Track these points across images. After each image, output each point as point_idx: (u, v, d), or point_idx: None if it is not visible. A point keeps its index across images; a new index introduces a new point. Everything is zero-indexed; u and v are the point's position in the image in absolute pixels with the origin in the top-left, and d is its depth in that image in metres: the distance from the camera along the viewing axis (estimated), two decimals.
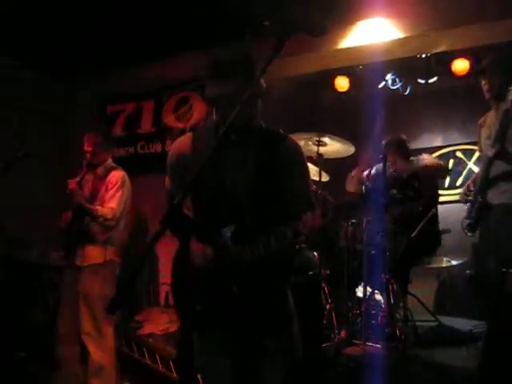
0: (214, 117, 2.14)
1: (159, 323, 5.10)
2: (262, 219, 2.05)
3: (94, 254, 4.08)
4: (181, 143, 2.28)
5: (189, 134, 2.28)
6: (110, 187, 4.17)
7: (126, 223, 4.33)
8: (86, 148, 4.22)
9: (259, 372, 2.11)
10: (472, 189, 3.86)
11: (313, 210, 2.00)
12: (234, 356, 2.12)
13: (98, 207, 4.07)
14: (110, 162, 4.34)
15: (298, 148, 2.22)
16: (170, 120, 6.70)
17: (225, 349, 2.11)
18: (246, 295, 2.03)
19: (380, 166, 4.32)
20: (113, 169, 4.28)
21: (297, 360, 2.17)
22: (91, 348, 3.97)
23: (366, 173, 4.46)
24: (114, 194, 4.14)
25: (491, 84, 3.68)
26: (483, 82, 3.73)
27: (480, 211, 3.65)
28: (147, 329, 5.01)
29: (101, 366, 3.96)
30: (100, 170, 4.25)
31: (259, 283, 2.05)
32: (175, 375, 4.07)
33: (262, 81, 2.09)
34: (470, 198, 3.86)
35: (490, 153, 3.57)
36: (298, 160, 2.20)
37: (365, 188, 4.27)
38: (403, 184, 1.68)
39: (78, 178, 4.09)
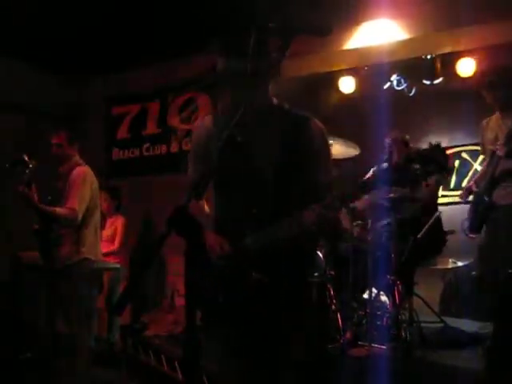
0: (229, 99, 2.08)
1: (165, 324, 5.10)
2: (283, 205, 2.01)
3: (65, 254, 4.05)
4: (201, 128, 2.25)
5: (208, 117, 2.24)
6: (71, 185, 4.08)
7: (96, 220, 4.26)
8: (53, 146, 4.20)
9: (272, 370, 2.06)
10: (475, 189, 3.85)
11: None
12: (245, 354, 2.07)
13: (57, 208, 3.99)
14: (76, 158, 4.25)
15: (321, 131, 2.14)
16: (175, 121, 6.71)
17: (235, 347, 2.07)
18: (263, 284, 1.98)
19: (384, 165, 4.30)
20: (77, 165, 4.20)
21: (310, 358, 2.13)
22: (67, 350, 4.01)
23: (368, 175, 4.44)
24: (74, 193, 4.03)
25: (497, 97, 3.66)
26: (486, 94, 3.72)
27: (486, 212, 3.64)
28: (153, 330, 5.01)
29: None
30: (64, 168, 4.20)
31: (277, 272, 2.00)
32: (181, 376, 4.08)
33: (276, 55, 2.01)
34: (471, 198, 3.85)
35: (500, 152, 3.55)
36: (321, 145, 2.13)
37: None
38: (426, 158, 1.58)
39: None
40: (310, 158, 2.06)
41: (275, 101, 2.16)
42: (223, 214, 2.15)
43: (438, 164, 1.85)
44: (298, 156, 2.05)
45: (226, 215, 2.14)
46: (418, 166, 1.85)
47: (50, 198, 4.10)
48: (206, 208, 2.26)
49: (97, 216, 4.26)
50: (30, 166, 3.96)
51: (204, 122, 2.26)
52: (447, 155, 1.85)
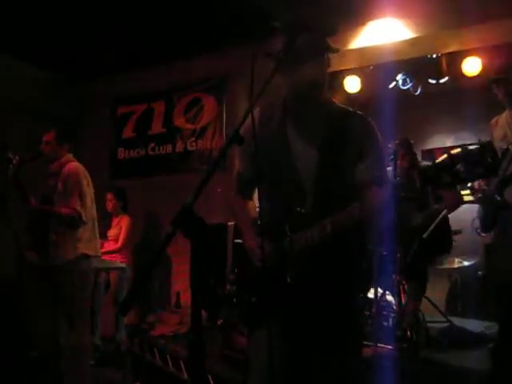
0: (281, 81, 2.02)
1: (171, 324, 5.11)
2: (325, 203, 1.97)
3: (64, 251, 4.04)
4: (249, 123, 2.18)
5: (257, 110, 2.13)
6: (66, 184, 4.08)
7: (93, 216, 4.25)
8: (42, 146, 4.19)
9: (309, 370, 2.02)
10: (484, 187, 3.81)
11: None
12: (284, 351, 2.00)
13: (62, 209, 4.01)
14: (68, 157, 4.24)
15: (370, 128, 2.08)
16: (180, 121, 6.72)
17: (276, 342, 1.93)
18: (301, 287, 1.95)
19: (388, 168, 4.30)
20: (67, 162, 4.19)
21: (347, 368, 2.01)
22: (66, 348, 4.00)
23: None
24: (72, 192, 4.04)
25: (507, 91, 3.63)
26: (497, 89, 3.68)
27: (497, 211, 3.60)
28: (158, 330, 5.02)
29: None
30: (54, 166, 4.19)
31: (316, 275, 1.96)
32: (186, 376, 4.08)
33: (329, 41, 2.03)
34: (480, 196, 3.81)
35: None
36: (369, 142, 2.05)
37: None
38: (473, 158, 1.34)
39: None
40: (357, 157, 2.00)
41: (327, 95, 2.13)
42: (267, 213, 2.09)
43: (487, 166, 1.61)
44: (344, 155, 2.00)
45: (269, 214, 2.08)
46: (462, 168, 1.62)
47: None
48: (252, 208, 2.23)
49: (93, 211, 4.25)
50: (14, 161, 4.02)
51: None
52: (497, 156, 1.64)
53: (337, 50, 2.05)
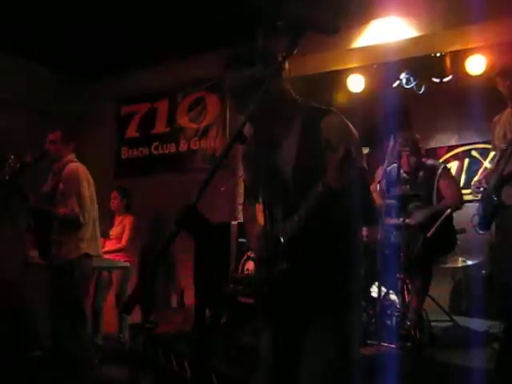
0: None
1: (174, 323, 5.12)
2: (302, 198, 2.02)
3: (66, 250, 4.05)
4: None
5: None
6: (66, 184, 4.10)
7: (94, 216, 4.26)
8: (47, 145, 4.21)
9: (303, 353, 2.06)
10: (484, 185, 3.80)
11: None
12: (281, 332, 2.03)
13: (61, 210, 4.04)
14: (70, 157, 4.26)
15: (342, 122, 2.13)
16: (183, 121, 6.73)
17: (275, 327, 2.03)
18: (296, 271, 2.00)
19: (393, 166, 4.29)
20: (69, 163, 4.21)
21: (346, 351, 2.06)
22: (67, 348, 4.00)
23: (380, 173, 4.42)
24: (71, 193, 4.06)
25: (510, 85, 3.61)
26: (502, 83, 3.66)
27: (495, 211, 3.60)
28: (162, 328, 5.03)
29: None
30: (57, 166, 4.21)
31: (308, 257, 2.02)
32: (189, 374, 4.09)
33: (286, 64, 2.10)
34: (480, 193, 3.81)
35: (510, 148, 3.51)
36: (339, 136, 2.05)
37: (379, 187, 4.24)
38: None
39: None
40: (329, 146, 1.99)
41: (294, 96, 2.19)
42: (264, 214, 2.17)
43: None
44: (318, 151, 2.02)
45: (264, 215, 2.15)
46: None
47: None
48: (256, 214, 2.30)
49: (94, 211, 4.26)
50: (10, 161, 4.03)
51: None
52: None
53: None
